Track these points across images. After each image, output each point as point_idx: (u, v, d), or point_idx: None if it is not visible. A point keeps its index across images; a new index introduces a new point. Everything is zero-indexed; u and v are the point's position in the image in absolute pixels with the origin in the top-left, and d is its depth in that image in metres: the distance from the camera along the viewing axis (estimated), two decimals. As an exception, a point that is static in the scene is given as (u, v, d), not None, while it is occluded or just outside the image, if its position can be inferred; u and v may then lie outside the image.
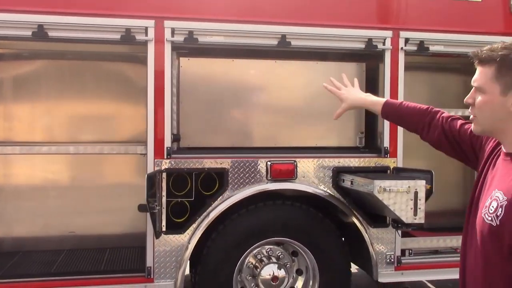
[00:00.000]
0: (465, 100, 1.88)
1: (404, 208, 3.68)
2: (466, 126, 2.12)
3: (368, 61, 4.57)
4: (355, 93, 2.67)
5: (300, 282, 4.45)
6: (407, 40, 4.34)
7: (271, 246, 4.35)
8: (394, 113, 2.46)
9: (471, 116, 1.87)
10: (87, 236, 4.70)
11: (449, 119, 2.23)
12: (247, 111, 4.50)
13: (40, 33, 3.71)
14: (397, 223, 3.87)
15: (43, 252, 4.51)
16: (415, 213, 3.69)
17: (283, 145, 4.47)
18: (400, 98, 4.32)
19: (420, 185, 3.71)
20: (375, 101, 2.56)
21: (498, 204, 1.64)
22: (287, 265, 4.38)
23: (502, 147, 1.82)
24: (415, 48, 4.37)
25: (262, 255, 4.34)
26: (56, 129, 4.65)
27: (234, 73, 4.44)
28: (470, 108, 1.86)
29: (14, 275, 3.97)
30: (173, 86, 4.17)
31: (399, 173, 4.28)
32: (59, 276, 3.95)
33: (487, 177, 1.85)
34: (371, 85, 4.49)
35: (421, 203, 3.71)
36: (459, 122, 2.18)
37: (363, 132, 4.62)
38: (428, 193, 3.91)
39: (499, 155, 1.83)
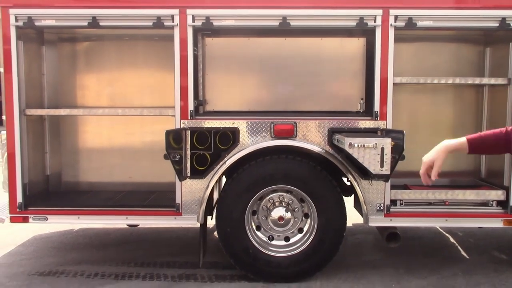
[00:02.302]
0: None
1: (372, 161, 4.41)
2: None
3: (368, 36, 5.23)
4: (439, 152, 2.79)
5: (307, 224, 5.35)
6: (396, 17, 4.92)
7: (283, 193, 5.28)
8: (480, 146, 2.69)
9: None
10: (141, 182, 5.96)
11: None
12: (261, 81, 5.43)
13: (94, 23, 4.91)
14: (367, 174, 4.60)
15: (107, 191, 5.85)
16: (382, 166, 4.41)
17: (291, 109, 5.32)
18: (390, 70, 4.97)
19: (386, 142, 4.40)
20: (458, 144, 2.73)
21: None
22: (295, 209, 5.29)
23: None
24: (403, 24, 4.94)
25: (274, 200, 5.30)
26: (115, 96, 5.91)
27: (250, 49, 5.36)
28: None
29: (84, 205, 5.34)
30: (199, 61, 5.21)
31: (387, 133, 4.95)
32: (112, 207, 5.24)
33: None
34: (370, 57, 5.16)
35: (387, 157, 4.40)
36: None
37: (363, 98, 5.32)
38: (400, 149, 4.60)
39: None
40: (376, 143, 4.41)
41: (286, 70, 5.36)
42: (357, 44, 5.32)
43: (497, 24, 4.93)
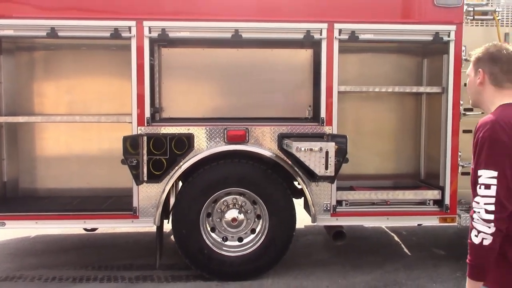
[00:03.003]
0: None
1: (318, 164, 4.76)
2: None
3: (315, 47, 5.60)
4: None
5: (259, 225, 5.63)
6: (340, 31, 5.31)
7: (236, 196, 5.56)
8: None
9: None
10: (99, 187, 6.10)
11: None
12: (215, 89, 5.75)
13: (52, 33, 5.08)
14: (314, 176, 4.94)
15: (65, 197, 5.96)
16: (327, 168, 4.76)
17: (243, 116, 5.61)
18: (335, 79, 5.34)
19: (330, 146, 4.76)
20: None
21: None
22: (248, 211, 5.57)
23: None
24: (347, 37, 5.33)
25: (228, 203, 5.57)
26: (73, 104, 6.05)
27: (204, 59, 5.66)
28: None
29: (42, 210, 5.44)
30: (155, 70, 5.45)
31: (333, 138, 5.29)
32: (70, 211, 5.39)
33: None
34: (317, 67, 5.52)
35: (331, 160, 4.76)
36: None
37: (311, 105, 5.68)
38: (344, 153, 4.98)
39: None
40: (321, 147, 4.76)
41: (239, 79, 5.68)
42: (305, 55, 5.69)
43: (431, 38, 5.39)
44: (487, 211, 2.27)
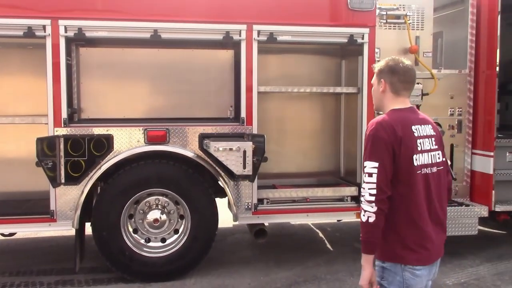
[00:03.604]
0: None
1: (235, 163, 4.84)
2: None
3: (236, 48, 5.66)
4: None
5: (182, 225, 5.63)
6: (259, 32, 5.41)
7: (159, 197, 5.54)
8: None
9: None
10: (16, 191, 5.89)
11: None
12: (136, 89, 5.70)
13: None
14: (231, 175, 5.02)
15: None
16: (244, 167, 4.86)
17: (165, 117, 5.61)
18: (254, 79, 5.43)
19: (248, 146, 4.86)
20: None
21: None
22: (171, 212, 5.57)
23: None
24: (265, 38, 5.44)
25: (150, 204, 5.54)
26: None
27: (124, 59, 5.61)
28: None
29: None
30: (73, 70, 5.34)
31: (252, 138, 5.38)
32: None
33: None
34: (237, 67, 5.59)
35: (249, 159, 4.86)
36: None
37: (232, 105, 5.75)
38: (262, 152, 5.08)
39: None
40: (238, 147, 4.84)
41: (161, 79, 5.68)
42: (226, 55, 5.75)
43: (346, 40, 5.60)
44: (370, 194, 2.71)
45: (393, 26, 6.07)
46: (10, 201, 5.79)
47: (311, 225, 7.77)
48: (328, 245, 6.86)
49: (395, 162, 2.75)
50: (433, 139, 2.88)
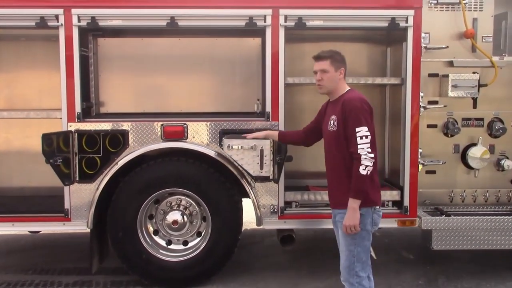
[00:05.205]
0: (316, 79, 3.81)
1: (251, 163, 4.35)
2: (313, 121, 4.25)
3: (263, 36, 5.14)
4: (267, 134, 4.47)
5: (205, 227, 5.23)
6: (286, 17, 4.86)
7: (180, 197, 5.18)
8: (284, 138, 4.44)
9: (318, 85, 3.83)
10: (41, 186, 5.73)
11: (307, 128, 4.27)
12: (156, 82, 5.32)
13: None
14: (248, 175, 4.53)
15: (4, 197, 5.60)
16: (262, 167, 4.35)
17: (185, 111, 5.23)
18: (281, 70, 4.89)
19: (266, 144, 4.34)
20: (274, 134, 4.48)
21: (333, 121, 3.70)
22: (193, 213, 5.19)
23: (330, 99, 3.93)
24: (293, 24, 4.88)
25: (171, 204, 5.19)
26: (13, 98, 5.68)
27: (144, 50, 5.26)
28: (318, 82, 3.81)
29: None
30: (90, 62, 5.08)
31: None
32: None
33: (325, 115, 3.92)
34: (265, 57, 5.07)
35: (267, 159, 4.35)
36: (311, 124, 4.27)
37: (259, 99, 5.25)
38: (285, 150, 4.55)
39: (328, 104, 3.97)
40: (255, 145, 4.35)
41: (181, 71, 5.27)
42: (252, 44, 5.27)
43: (386, 24, 4.92)
44: (369, 152, 3.53)
45: (446, 8, 5.27)
46: (36, 197, 5.65)
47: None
48: (372, 253, 6.18)
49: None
50: None
